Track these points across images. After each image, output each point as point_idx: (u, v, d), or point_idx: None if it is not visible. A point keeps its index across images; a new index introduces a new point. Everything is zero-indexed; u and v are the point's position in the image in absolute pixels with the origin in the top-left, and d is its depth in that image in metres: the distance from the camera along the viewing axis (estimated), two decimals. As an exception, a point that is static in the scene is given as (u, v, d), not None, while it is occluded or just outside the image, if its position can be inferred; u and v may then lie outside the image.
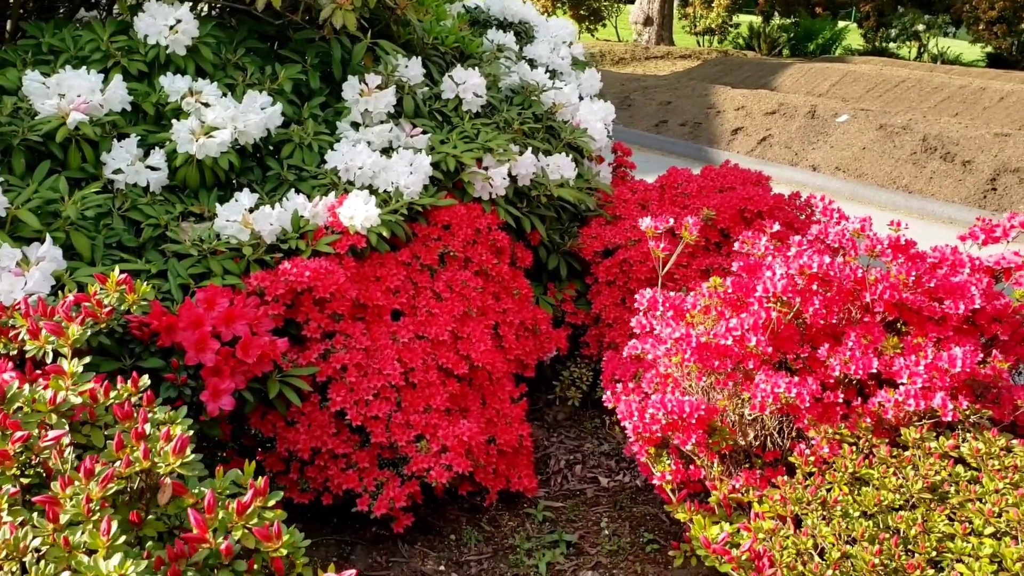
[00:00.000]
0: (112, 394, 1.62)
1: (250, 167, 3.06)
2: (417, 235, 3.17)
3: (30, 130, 2.65)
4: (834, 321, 2.58)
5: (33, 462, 1.40)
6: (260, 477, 1.44)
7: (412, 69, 3.52)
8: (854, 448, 2.31)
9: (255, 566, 1.37)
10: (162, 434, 1.45)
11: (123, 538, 1.24)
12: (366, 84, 3.33)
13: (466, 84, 3.60)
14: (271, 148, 3.13)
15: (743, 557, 1.99)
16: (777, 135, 9.67)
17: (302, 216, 2.84)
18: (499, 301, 3.40)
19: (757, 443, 2.71)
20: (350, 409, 2.72)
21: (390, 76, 3.44)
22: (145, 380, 1.66)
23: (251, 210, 2.79)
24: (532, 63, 4.82)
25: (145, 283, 2.47)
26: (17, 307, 1.97)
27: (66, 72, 2.78)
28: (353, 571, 1.37)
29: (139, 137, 2.81)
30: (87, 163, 2.76)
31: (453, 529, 3.09)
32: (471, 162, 3.32)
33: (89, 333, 1.93)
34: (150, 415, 1.53)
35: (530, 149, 3.61)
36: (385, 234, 2.85)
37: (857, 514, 2.12)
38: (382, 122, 3.33)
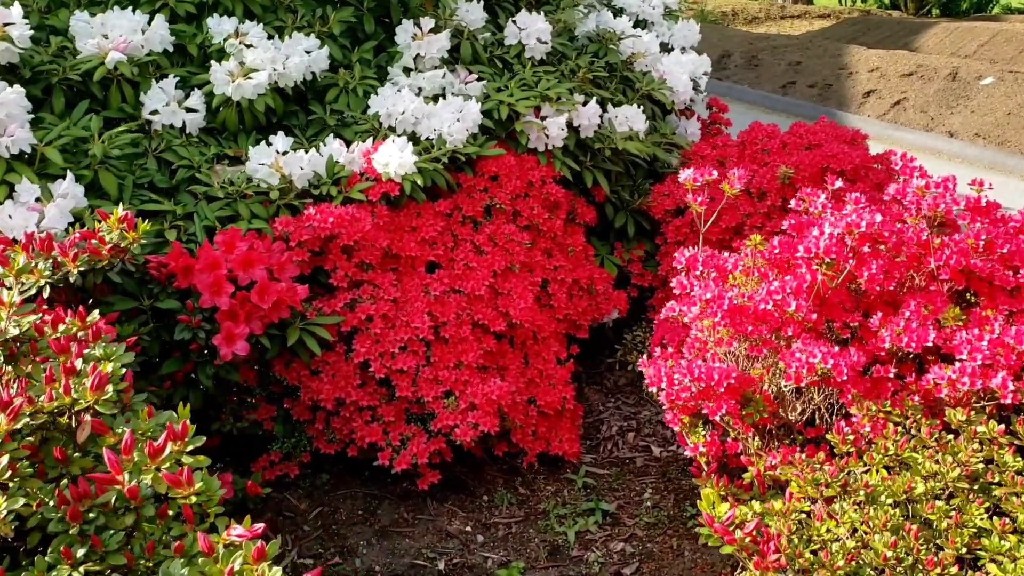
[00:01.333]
0: (61, 328, 1.59)
1: (293, 111, 3.03)
2: (462, 186, 3.06)
3: (71, 69, 2.67)
4: (891, 288, 2.33)
5: (-40, 390, 1.38)
6: (183, 420, 1.37)
7: (472, 13, 3.40)
8: (899, 428, 2.08)
9: (169, 512, 1.30)
10: (90, 369, 1.40)
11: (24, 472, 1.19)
12: (420, 28, 3.22)
13: (529, 29, 3.46)
14: (316, 92, 3.06)
15: (746, 540, 1.82)
16: (912, 98, 9.06)
17: (337, 162, 2.79)
18: (551, 258, 3.26)
19: (803, 418, 2.50)
20: (374, 361, 2.66)
21: (448, 20, 3.32)
22: (94, 315, 1.63)
23: (285, 154, 2.73)
24: (619, 11, 4.60)
25: (168, 224, 2.46)
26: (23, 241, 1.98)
27: (112, 12, 2.78)
28: (316, 571, 1.28)
29: (178, 78, 2.80)
30: (127, 104, 2.78)
31: (487, 490, 3.01)
32: (526, 111, 3.18)
33: (79, 270, 1.91)
34: (86, 351, 1.48)
35: (595, 99, 3.43)
36: (420, 182, 2.76)
37: (889, 501, 1.91)
38: (435, 68, 3.22)
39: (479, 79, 3.32)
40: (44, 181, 2.40)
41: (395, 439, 2.73)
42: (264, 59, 2.82)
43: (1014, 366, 2.12)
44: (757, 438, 2.47)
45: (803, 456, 2.00)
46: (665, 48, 4.67)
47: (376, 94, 3.03)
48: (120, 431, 1.39)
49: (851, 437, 2.17)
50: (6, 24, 2.49)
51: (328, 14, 3.18)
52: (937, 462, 1.89)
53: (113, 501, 1.32)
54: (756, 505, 2.15)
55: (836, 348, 2.18)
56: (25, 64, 2.60)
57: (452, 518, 2.89)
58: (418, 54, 3.23)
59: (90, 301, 2.31)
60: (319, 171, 2.78)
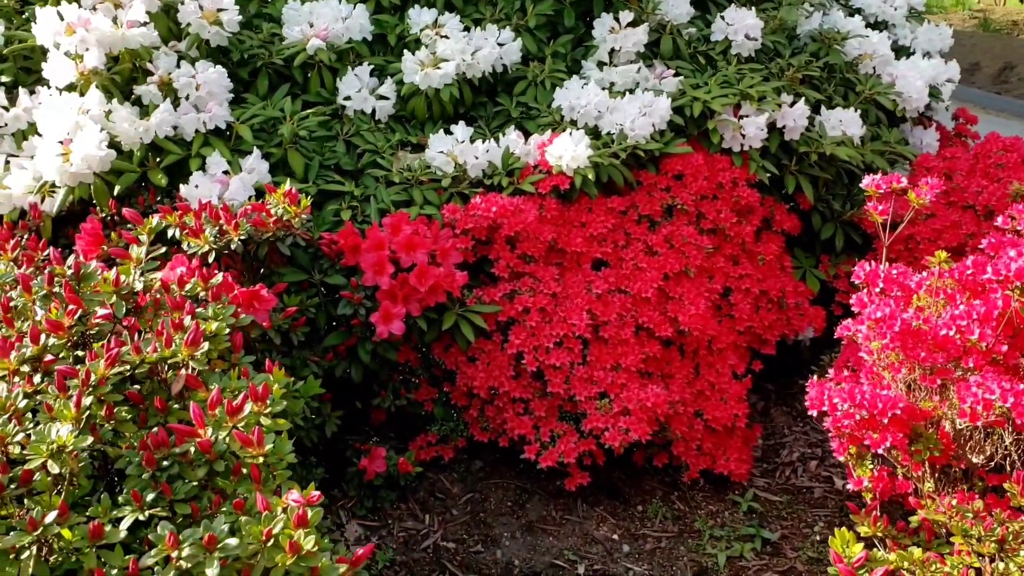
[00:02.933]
0: (187, 287, 1.69)
1: (482, 103, 3.07)
2: (642, 183, 2.97)
3: (276, 54, 2.86)
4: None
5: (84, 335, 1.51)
6: (267, 383, 1.41)
7: (676, 7, 3.30)
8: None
9: (243, 470, 1.35)
10: (192, 326, 1.48)
11: (88, 413, 1.28)
12: (618, 22, 3.16)
13: (736, 25, 3.30)
14: (506, 85, 3.09)
15: (873, 586, 1.63)
16: None
17: (512, 153, 2.80)
18: (736, 265, 3.10)
19: (990, 463, 2.21)
20: (527, 353, 2.65)
21: (651, 14, 3.24)
22: (217, 278, 1.72)
23: (463, 143, 2.77)
24: (856, 11, 4.30)
25: (346, 205, 2.57)
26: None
27: (319, 1, 2.94)
28: (368, 547, 1.29)
29: (373, 67, 2.91)
30: (325, 89, 2.93)
31: (642, 500, 2.91)
32: (720, 108, 3.04)
33: (240, 239, 2.04)
34: (199, 310, 1.57)
35: (803, 100, 3.22)
36: (591, 176, 2.70)
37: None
38: (631, 62, 3.15)
39: (676, 75, 3.20)
40: (236, 157, 2.57)
41: (545, 435, 2.70)
42: (454, 50, 2.88)
43: None
44: (930, 479, 2.21)
45: (954, 502, 1.75)
46: (906, 52, 4.30)
47: (563, 87, 3.00)
48: (214, 387, 1.46)
49: (1031, 489, 1.88)
50: (219, 9, 2.70)
51: (527, 7, 3.19)
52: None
53: (192, 452, 1.38)
54: (909, 552, 1.92)
55: (1018, 384, 1.89)
56: (235, 48, 2.81)
57: (601, 523, 2.82)
58: (613, 48, 3.17)
59: (260, 271, 2.46)
60: (495, 161, 2.80)
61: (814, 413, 2.24)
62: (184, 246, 2.25)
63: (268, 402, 1.42)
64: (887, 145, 3.64)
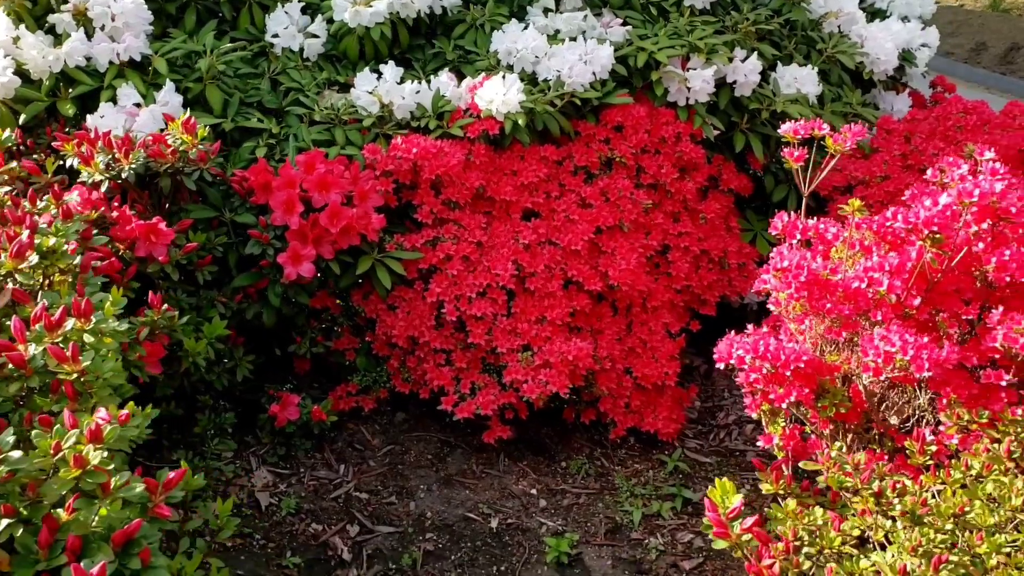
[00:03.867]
0: (39, 204, 1.62)
1: (420, 45, 2.97)
2: (581, 134, 2.88)
3: (203, -12, 2.77)
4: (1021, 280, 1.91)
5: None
6: (89, 300, 1.34)
7: (630, -44, 3.18)
8: (997, 443, 1.71)
9: (60, 388, 1.28)
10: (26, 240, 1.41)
11: None
12: (565, -33, 3.06)
13: (688, -24, 3.19)
14: (446, 27, 3.00)
15: (743, 537, 1.55)
16: None
17: (443, 96, 2.70)
18: (677, 223, 3.01)
19: (907, 423, 2.14)
20: (448, 303, 2.57)
21: (599, -38, 3.13)
22: (72, 196, 1.64)
23: (397, 84, 2.69)
24: (834, -29, 4.18)
25: (262, 142, 2.49)
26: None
27: (249, -63, 2.85)
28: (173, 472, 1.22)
29: (304, 3, 2.81)
30: (255, 26, 2.83)
31: (568, 456, 2.85)
32: (666, 60, 2.95)
33: (132, 168, 1.96)
34: (41, 226, 1.50)
35: (755, 54, 3.11)
36: (522, 122, 2.61)
37: (947, 525, 1.57)
38: (578, 10, 3.05)
39: (625, 24, 3.10)
40: (151, 90, 2.49)
41: (465, 387, 2.63)
42: (387, -12, 2.78)
43: None
44: (842, 438, 2.14)
45: (833, 454, 1.68)
46: (882, 15, 4.19)
47: (502, 31, 2.90)
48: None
49: (932, 448, 1.80)
50: (141, -60, 2.61)
51: (471, -50, 3.09)
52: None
53: (9, 368, 1.31)
54: (818, 511, 1.84)
55: (921, 338, 1.81)
56: (162, -18, 2.73)
57: (521, 478, 2.75)
58: (561, -6, 3.07)
59: (167, 206, 2.38)
60: (425, 104, 2.71)
61: (721, 366, 2.15)
62: (82, 177, 2.18)
63: (93, 319, 1.35)
64: (848, 106, 3.53)
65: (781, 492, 1.98)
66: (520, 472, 2.78)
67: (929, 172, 2.21)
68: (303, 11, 2.90)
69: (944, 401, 1.90)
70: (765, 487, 2.03)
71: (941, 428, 1.86)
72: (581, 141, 2.90)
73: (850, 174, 3.30)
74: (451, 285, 2.59)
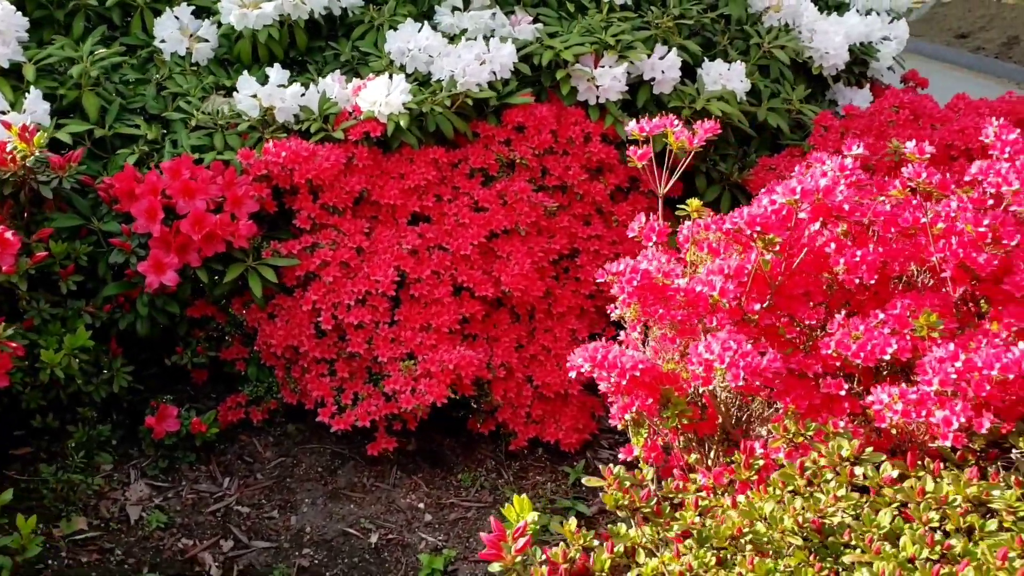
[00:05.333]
0: None
1: (319, 47, 2.92)
2: (480, 135, 2.80)
3: (91, -6, 2.75)
4: (871, 282, 1.80)
5: None
6: None
7: (545, -49, 3.10)
8: (823, 456, 1.60)
9: None
10: None
11: None
12: (473, -35, 3.00)
13: (606, -30, 3.10)
14: (348, 29, 2.95)
15: (519, 559, 1.47)
16: None
17: (330, 98, 2.65)
18: (588, 226, 2.92)
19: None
20: (325, 311, 2.51)
21: (514, -42, 3.06)
22: None
23: (283, 87, 2.65)
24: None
25: (137, 149, 2.46)
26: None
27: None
28: None
29: (194, 8, 2.79)
30: (146, 32, 2.81)
31: (466, 468, 2.77)
32: (572, 58, 2.86)
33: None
34: None
35: (673, 51, 3.01)
36: (403, 123, 2.55)
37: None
38: (486, 8, 2.98)
39: (536, 22, 3.02)
40: (20, 96, 2.48)
41: (347, 397, 2.57)
42: (276, -11, 2.74)
43: (988, 398, 1.54)
44: (697, 450, 2.04)
45: (617, 470, 1.59)
46: (845, 8, 4.06)
47: (397, 31, 2.84)
48: None
49: (760, 462, 1.70)
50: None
51: (377, -51, 3.04)
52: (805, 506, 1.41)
53: None
54: (646, 530, 1.74)
55: (742, 344, 1.70)
56: (52, -11, 2.72)
57: (411, 492, 2.68)
58: (468, -8, 3.00)
59: (24, 214, 2.36)
60: (312, 106, 2.66)
61: (572, 375, 2.06)
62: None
63: None
64: (787, 103, 3.41)
65: (624, 506, 1.87)
66: (412, 485, 2.71)
67: (797, 169, 2.09)
68: (197, 15, 2.87)
69: (783, 412, 1.78)
70: (608, 499, 1.93)
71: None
72: (479, 143, 2.82)
73: (782, 171, 3.17)
74: (328, 292, 2.54)
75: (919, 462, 1.56)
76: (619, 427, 2.09)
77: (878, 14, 4.17)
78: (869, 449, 1.49)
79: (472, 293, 2.67)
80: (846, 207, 1.73)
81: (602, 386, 1.98)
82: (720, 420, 2.00)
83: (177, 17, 2.80)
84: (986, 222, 1.66)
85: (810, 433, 1.67)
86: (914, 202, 1.88)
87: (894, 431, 1.62)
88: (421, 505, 2.64)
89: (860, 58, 3.87)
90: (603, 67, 2.96)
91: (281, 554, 2.47)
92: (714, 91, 3.15)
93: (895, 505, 1.39)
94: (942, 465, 1.56)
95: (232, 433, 2.79)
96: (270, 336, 2.57)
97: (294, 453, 2.78)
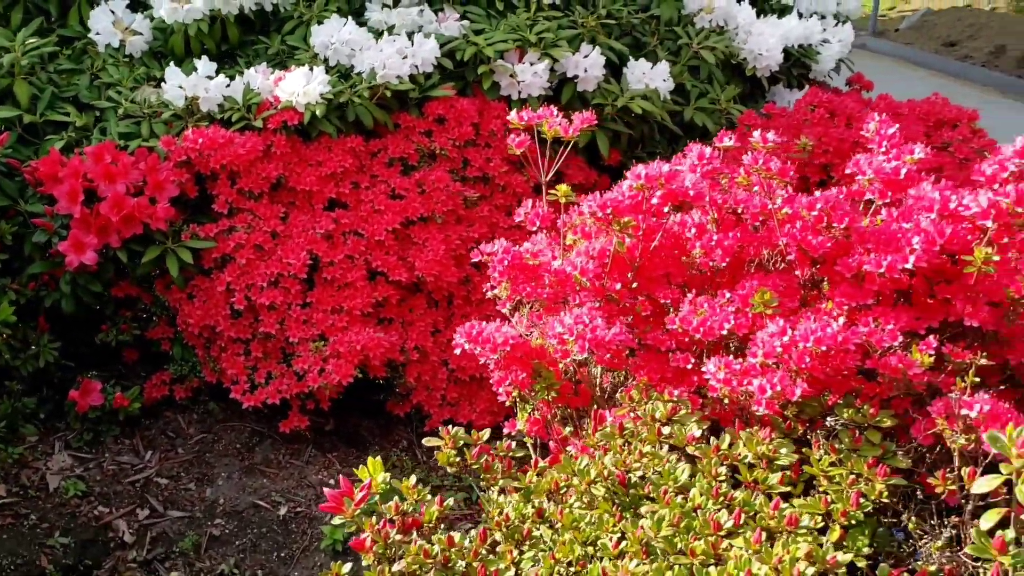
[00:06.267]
0: None
1: (252, 40, 3.04)
2: (401, 126, 2.92)
3: (28, -15, 2.88)
4: (723, 265, 1.91)
5: None
6: None
7: (476, -49, 3.22)
8: (639, 418, 1.71)
9: None
10: None
11: None
12: (403, -36, 3.11)
13: (533, -30, 3.21)
14: (280, 23, 3.07)
15: (353, 511, 1.58)
16: None
17: (253, 89, 2.77)
18: (510, 216, 3.01)
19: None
20: (238, 291, 2.62)
21: (444, -43, 3.18)
22: None
23: (210, 79, 2.77)
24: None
25: (66, 136, 2.58)
26: None
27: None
28: None
29: (128, 1, 2.91)
30: (84, 25, 2.93)
31: (382, 447, 2.88)
32: (493, 54, 2.97)
33: None
34: None
35: (596, 49, 3.12)
36: (319, 112, 2.66)
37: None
38: (415, 4, 3.10)
39: (464, 19, 3.14)
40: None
41: (260, 376, 2.68)
42: (207, -16, 2.86)
43: (811, 369, 1.64)
44: (573, 423, 2.15)
45: (458, 433, 1.70)
46: (788, 11, 4.17)
47: (322, 25, 2.96)
48: None
49: (608, 429, 1.80)
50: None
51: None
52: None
53: None
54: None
55: (595, 319, 1.81)
56: (-10, -19, 2.85)
57: (324, 469, 2.79)
58: (398, -11, 3.12)
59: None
60: (236, 97, 2.78)
61: (458, 351, 2.17)
62: None
63: None
64: (715, 103, 3.52)
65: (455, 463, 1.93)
66: (325, 463, 2.82)
67: (674, 158, 2.20)
68: (133, 8, 2.99)
69: (634, 383, 1.89)
70: (440, 458, 1.97)
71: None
72: (400, 133, 2.94)
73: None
74: (242, 274, 2.65)
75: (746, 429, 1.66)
76: (507, 403, 2.20)
77: (823, 17, 4.29)
78: (683, 412, 1.60)
79: (387, 278, 2.78)
80: (691, 193, 1.84)
81: (480, 361, 2.09)
82: (594, 393, 2.11)
83: (112, 11, 2.93)
84: (819, 206, 1.77)
85: (655, 400, 1.77)
86: (766, 191, 1.98)
87: (725, 400, 1.73)
88: (332, 482, 2.75)
89: (799, 60, 3.97)
90: (525, 64, 3.07)
91: (194, 523, 2.58)
92: (638, 90, 3.26)
93: (713, 463, 1.49)
94: (765, 431, 1.66)
95: (157, 410, 2.91)
96: (188, 316, 2.69)
97: (216, 430, 2.90)
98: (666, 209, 1.89)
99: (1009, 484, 1.10)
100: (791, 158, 3.00)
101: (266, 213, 2.70)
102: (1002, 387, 1.86)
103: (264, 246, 2.67)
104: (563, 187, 2.03)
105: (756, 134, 1.90)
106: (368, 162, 2.88)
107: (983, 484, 1.10)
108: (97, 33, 2.90)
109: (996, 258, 1.60)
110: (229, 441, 2.86)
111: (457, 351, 2.08)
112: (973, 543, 1.12)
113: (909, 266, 1.69)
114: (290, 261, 2.64)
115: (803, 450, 1.66)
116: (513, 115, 2.17)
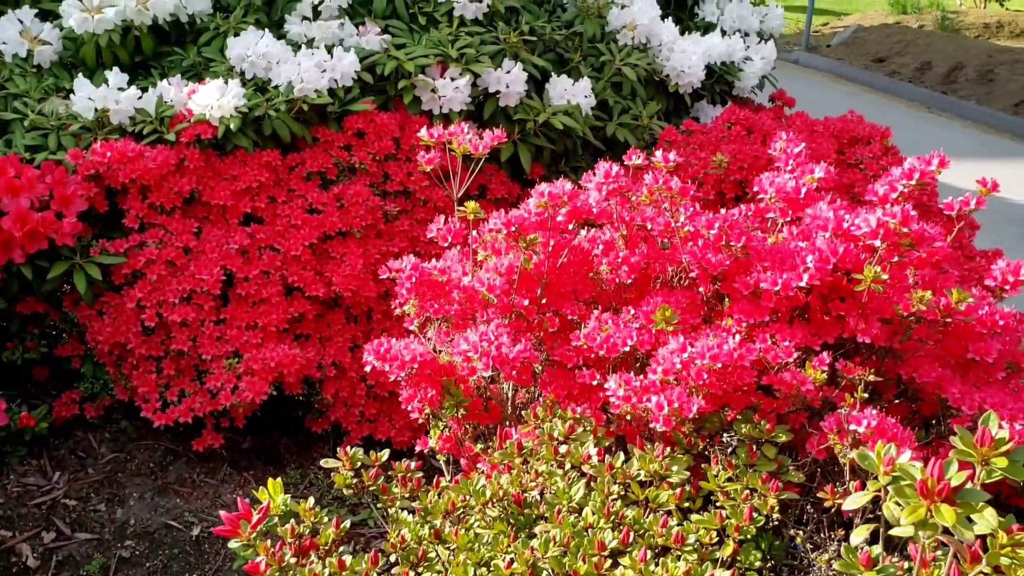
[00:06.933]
0: None
1: (167, 52, 3.00)
2: (320, 140, 2.90)
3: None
4: (628, 282, 1.93)
5: None
6: None
7: (398, -35, 3.21)
8: (538, 437, 1.71)
9: None
10: None
11: None
12: (323, -23, 3.10)
13: (456, -15, 3.22)
14: (196, 35, 3.03)
15: (250, 533, 1.56)
16: None
17: (166, 101, 2.72)
18: (430, 231, 3.01)
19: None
20: (149, 308, 2.58)
21: (366, -29, 3.17)
22: None
23: (121, 90, 2.72)
24: (666, -10, 4.29)
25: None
26: None
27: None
28: None
29: (37, 11, 2.85)
30: (-9, 34, 2.86)
31: (300, 465, 2.86)
32: (414, 68, 2.97)
33: None
34: None
35: (518, 65, 3.14)
36: (233, 126, 2.63)
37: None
38: (335, 18, 3.08)
39: (385, 34, 3.14)
40: None
41: (173, 394, 2.63)
42: (121, -5, 2.82)
43: (709, 386, 1.67)
44: (481, 438, 2.15)
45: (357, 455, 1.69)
46: (711, 29, 4.25)
47: (238, 38, 2.93)
48: None
49: (507, 449, 1.81)
50: None
51: (230, -42, 3.13)
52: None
53: None
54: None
55: (500, 336, 1.81)
56: None
57: (240, 488, 2.75)
58: (320, 1, 3.10)
59: None
60: (149, 109, 2.73)
61: (368, 368, 2.16)
62: None
63: None
64: (636, 119, 3.56)
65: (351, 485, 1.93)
66: (241, 481, 2.78)
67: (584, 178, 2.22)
68: (44, 18, 2.93)
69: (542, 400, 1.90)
70: (337, 480, 1.97)
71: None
72: (319, 147, 2.92)
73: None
74: (153, 290, 2.61)
75: (648, 445, 1.68)
76: (420, 420, 2.20)
77: (747, 35, 4.38)
78: (580, 430, 1.61)
79: (304, 293, 2.76)
80: (595, 211, 1.86)
81: (391, 379, 2.08)
82: (504, 410, 2.11)
83: (20, 20, 2.87)
84: (717, 225, 1.80)
85: (555, 418, 1.78)
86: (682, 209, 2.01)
87: (629, 417, 1.74)
88: (247, 500, 2.71)
89: (722, 77, 4.04)
90: (447, 79, 3.08)
91: (103, 545, 2.52)
92: (560, 105, 3.29)
93: (606, 481, 1.51)
94: (668, 448, 1.69)
95: (68, 429, 2.84)
96: (98, 333, 2.63)
97: (129, 449, 2.84)
98: (571, 226, 1.91)
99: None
100: (707, 174, 3.08)
101: (179, 228, 2.66)
102: (896, 401, 1.91)
103: (176, 262, 2.63)
104: (471, 204, 2.04)
105: (658, 154, 1.93)
106: (286, 176, 2.86)
107: (853, 501, 1.13)
108: (4, 43, 2.84)
109: (884, 276, 1.64)
110: (142, 460, 2.80)
111: (368, 368, 2.08)
112: (842, 559, 1.14)
113: (803, 284, 1.73)
114: (203, 277, 2.60)
115: (703, 465, 1.69)
116: (423, 132, 2.17)
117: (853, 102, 10.06)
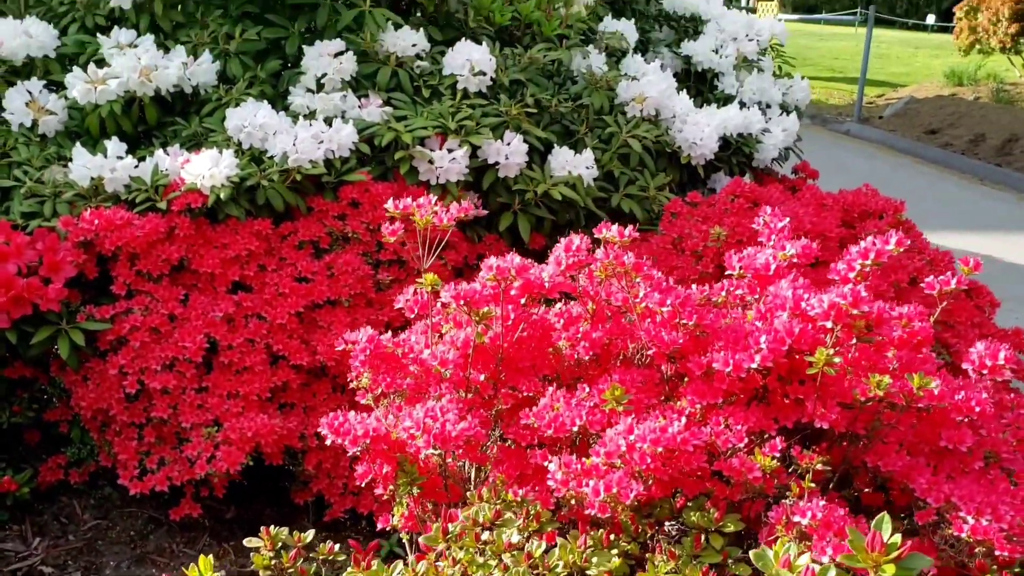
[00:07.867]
0: None
1: (171, 122, 3.07)
2: (314, 209, 2.92)
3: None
4: (587, 358, 1.88)
5: None
6: None
7: (403, 39, 3.27)
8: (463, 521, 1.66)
9: None
10: None
11: None
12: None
13: (458, 60, 3.26)
14: (200, 105, 3.10)
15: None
16: None
17: (162, 170, 2.78)
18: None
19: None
20: (131, 374, 2.59)
21: (370, 44, 3.23)
22: None
23: (120, 159, 2.78)
24: (686, 59, 4.30)
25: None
26: None
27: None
28: None
29: (45, 82, 2.94)
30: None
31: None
32: (411, 140, 2.99)
33: None
34: None
35: (518, 136, 3.15)
36: (224, 196, 2.67)
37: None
38: (337, 90, 3.14)
39: (388, 106, 3.17)
40: None
41: (153, 462, 2.63)
42: (124, 67, 2.90)
43: (653, 470, 1.60)
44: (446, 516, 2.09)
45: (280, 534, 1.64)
46: (730, 101, 4.25)
47: (238, 108, 2.99)
48: None
49: (432, 534, 1.75)
50: None
51: (235, 32, 3.21)
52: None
53: None
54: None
55: (445, 416, 1.77)
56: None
57: (218, 559, 2.70)
58: (320, 75, 3.15)
59: None
60: (144, 177, 2.79)
61: (328, 442, 2.12)
62: None
63: None
64: (643, 191, 3.53)
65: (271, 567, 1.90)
66: (220, 553, 2.75)
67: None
68: (54, 89, 3.03)
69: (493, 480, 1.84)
70: (256, 561, 1.93)
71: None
72: (313, 216, 2.94)
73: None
74: (136, 357, 2.62)
75: (588, 531, 1.61)
76: (385, 496, 2.15)
77: (768, 107, 4.35)
78: (508, 515, 1.55)
79: (288, 362, 2.75)
80: (547, 286, 1.82)
81: (349, 453, 2.04)
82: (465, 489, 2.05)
83: (28, 91, 2.96)
84: (669, 302, 1.74)
85: (501, 501, 1.72)
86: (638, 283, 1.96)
87: (573, 500, 1.68)
88: (222, 572, 2.66)
89: (739, 148, 4.01)
90: (443, 150, 3.09)
91: (73, 616, 2.50)
92: (561, 176, 3.28)
93: (521, 570, 1.44)
94: (612, 536, 1.61)
95: (53, 494, 2.85)
96: (81, 399, 2.65)
97: (112, 516, 2.83)
98: (523, 301, 1.87)
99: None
100: (707, 247, 3.02)
101: (165, 295, 2.68)
102: (868, 490, 1.81)
103: (161, 329, 2.64)
104: (430, 276, 2.01)
105: (614, 228, 1.89)
106: (278, 244, 2.87)
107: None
108: (11, 113, 2.93)
109: (838, 360, 1.56)
110: (124, 528, 2.79)
111: (328, 442, 2.04)
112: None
113: (755, 365, 1.65)
114: (186, 344, 2.61)
115: (647, 555, 1.61)
116: (389, 203, 2.16)
117: (903, 174, 9.92)
